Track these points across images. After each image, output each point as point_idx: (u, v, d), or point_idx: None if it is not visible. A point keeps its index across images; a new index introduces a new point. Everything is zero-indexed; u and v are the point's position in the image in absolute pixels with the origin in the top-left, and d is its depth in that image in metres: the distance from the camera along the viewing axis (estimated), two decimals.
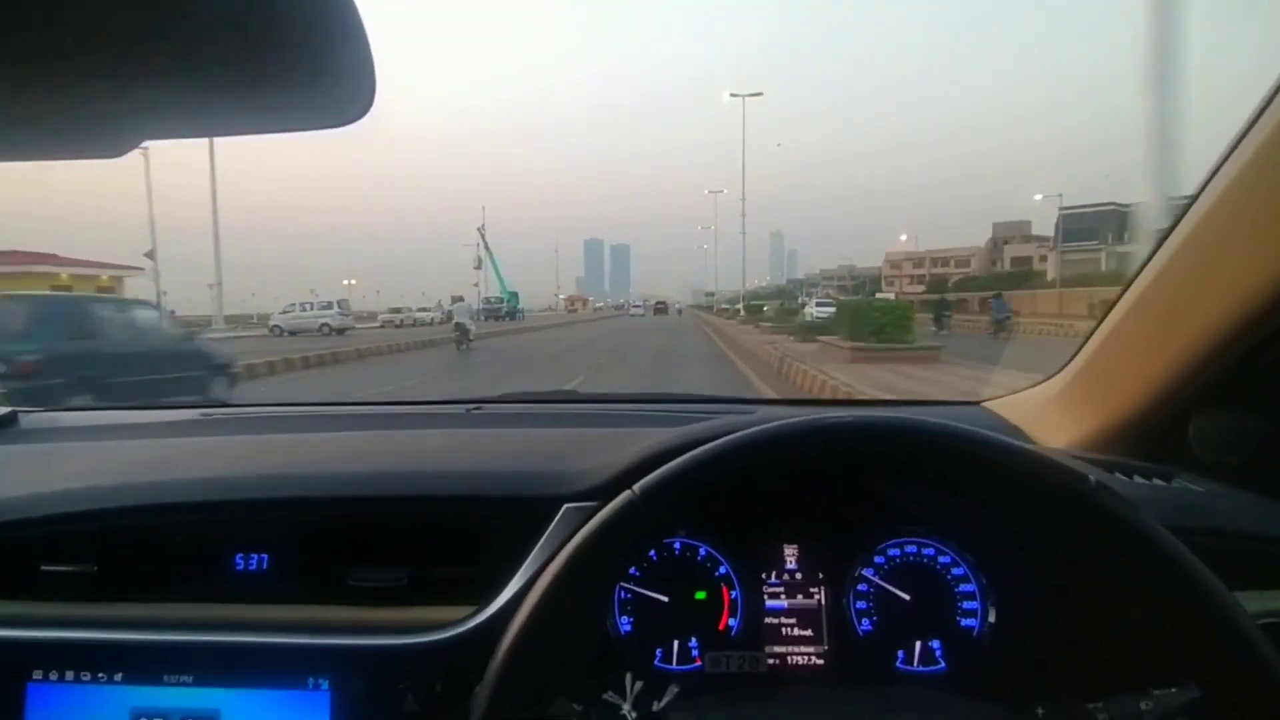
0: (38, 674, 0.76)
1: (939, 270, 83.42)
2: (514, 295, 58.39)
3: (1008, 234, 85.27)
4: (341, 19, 0.42)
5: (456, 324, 19.54)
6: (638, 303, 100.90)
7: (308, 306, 28.80)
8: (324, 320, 27.93)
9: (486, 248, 63.48)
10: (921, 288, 71.19)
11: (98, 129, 0.50)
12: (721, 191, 74.61)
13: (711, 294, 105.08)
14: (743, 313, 38.36)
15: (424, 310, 45.44)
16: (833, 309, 34.38)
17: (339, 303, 29.19)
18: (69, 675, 0.76)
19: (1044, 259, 68.73)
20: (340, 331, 27.67)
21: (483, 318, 49.84)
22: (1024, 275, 54.20)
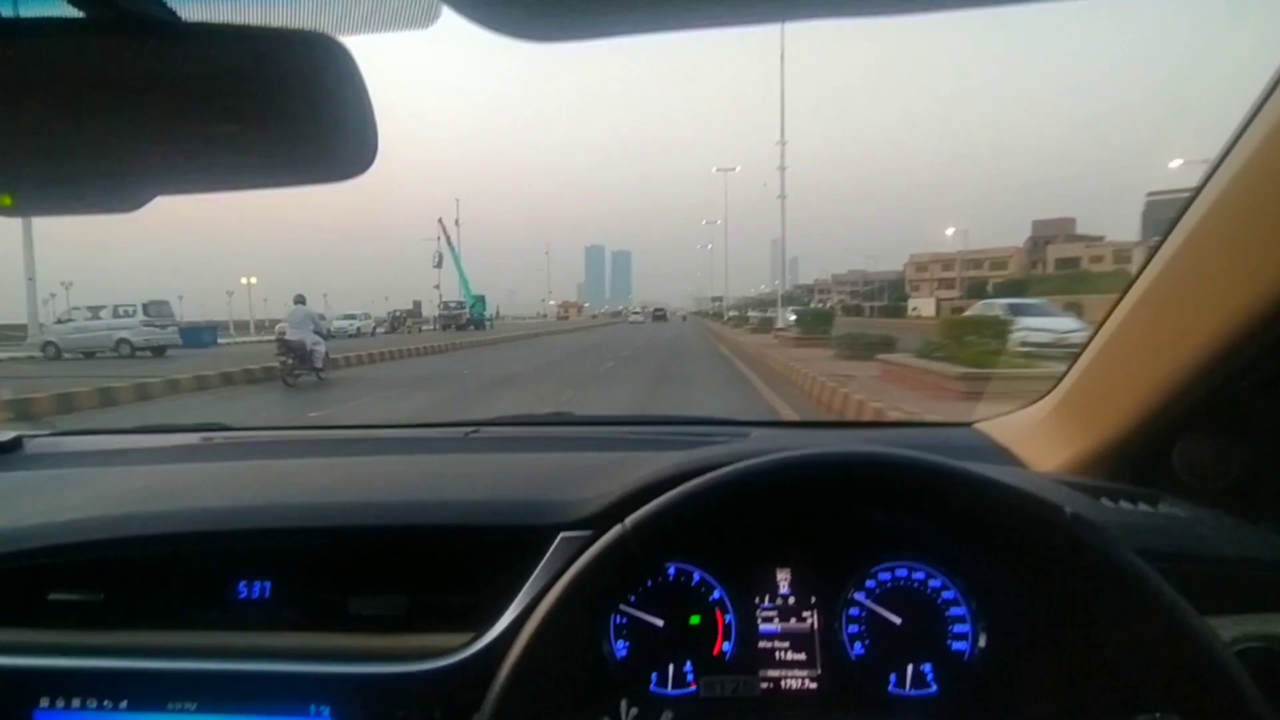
0: (44, 701, 0.78)
1: (973, 274, 74.91)
2: (479, 300, 48.67)
3: (1049, 233, 76.68)
4: (346, 83, 0.45)
5: (282, 343, 12.07)
6: (636, 309, 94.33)
7: (101, 313, 19.44)
8: (121, 335, 18.81)
9: (449, 242, 52.11)
10: (955, 292, 61.69)
11: (115, 186, 0.53)
12: (734, 169, 61.17)
13: (719, 299, 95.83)
14: (788, 322, 22.35)
15: (348, 318, 36.08)
16: (1074, 324, 12.86)
17: (147, 307, 19.44)
18: (75, 703, 0.78)
19: (1097, 259, 59.53)
20: (158, 351, 19.09)
21: (437, 325, 40.93)
22: (1082, 277, 44.94)
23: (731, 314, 60.87)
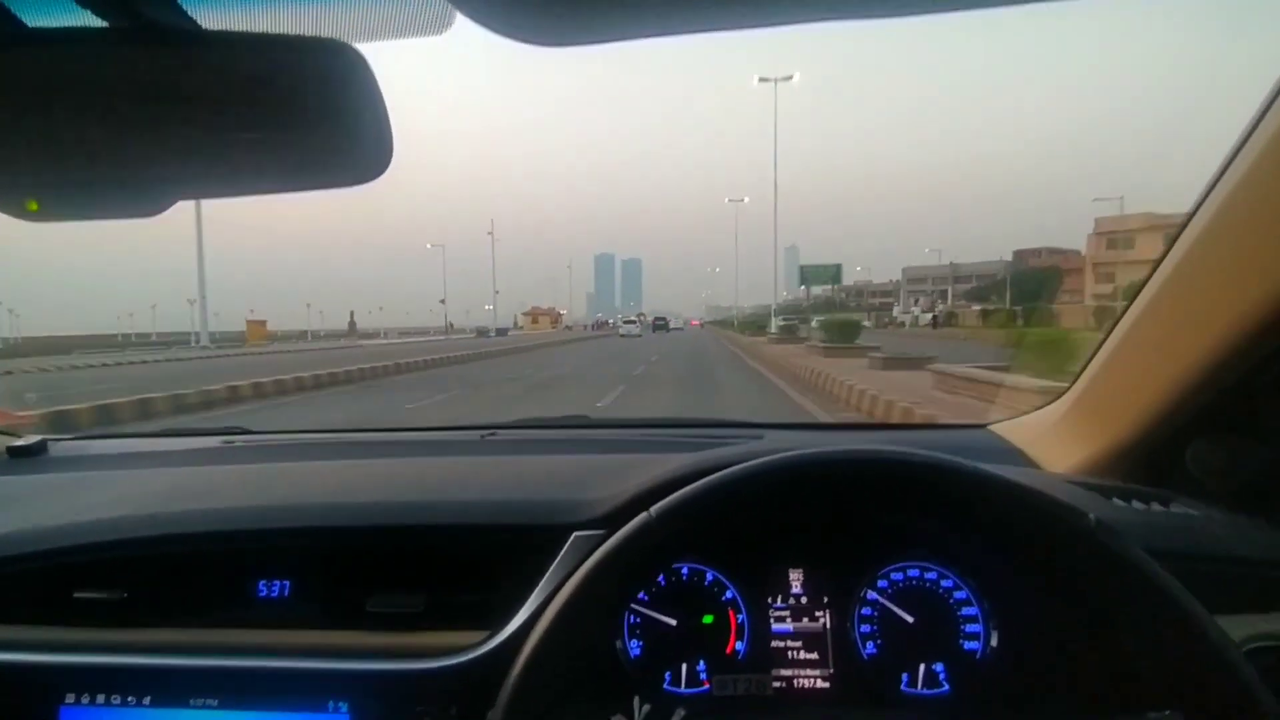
0: (70, 697, 0.80)
1: None
2: None
3: None
4: (362, 88, 0.46)
5: None
6: (631, 318, 63.12)
7: None
8: None
9: None
10: None
11: (135, 191, 0.54)
12: (743, 200, 61.18)
13: (828, 269, 66.16)
14: None
15: None
16: None
17: None
18: (100, 698, 0.80)
19: None
20: None
21: None
22: None
23: (779, 320, 29.19)
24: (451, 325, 64.79)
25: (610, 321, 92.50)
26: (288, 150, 0.50)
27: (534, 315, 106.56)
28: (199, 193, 0.58)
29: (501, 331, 64.04)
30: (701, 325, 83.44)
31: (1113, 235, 48.82)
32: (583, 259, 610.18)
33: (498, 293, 72.31)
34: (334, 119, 0.48)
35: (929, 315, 44.20)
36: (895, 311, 63.64)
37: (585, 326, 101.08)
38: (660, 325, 65.22)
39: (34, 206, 0.55)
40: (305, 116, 0.48)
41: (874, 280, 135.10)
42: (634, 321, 57.48)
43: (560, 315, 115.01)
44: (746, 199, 59.26)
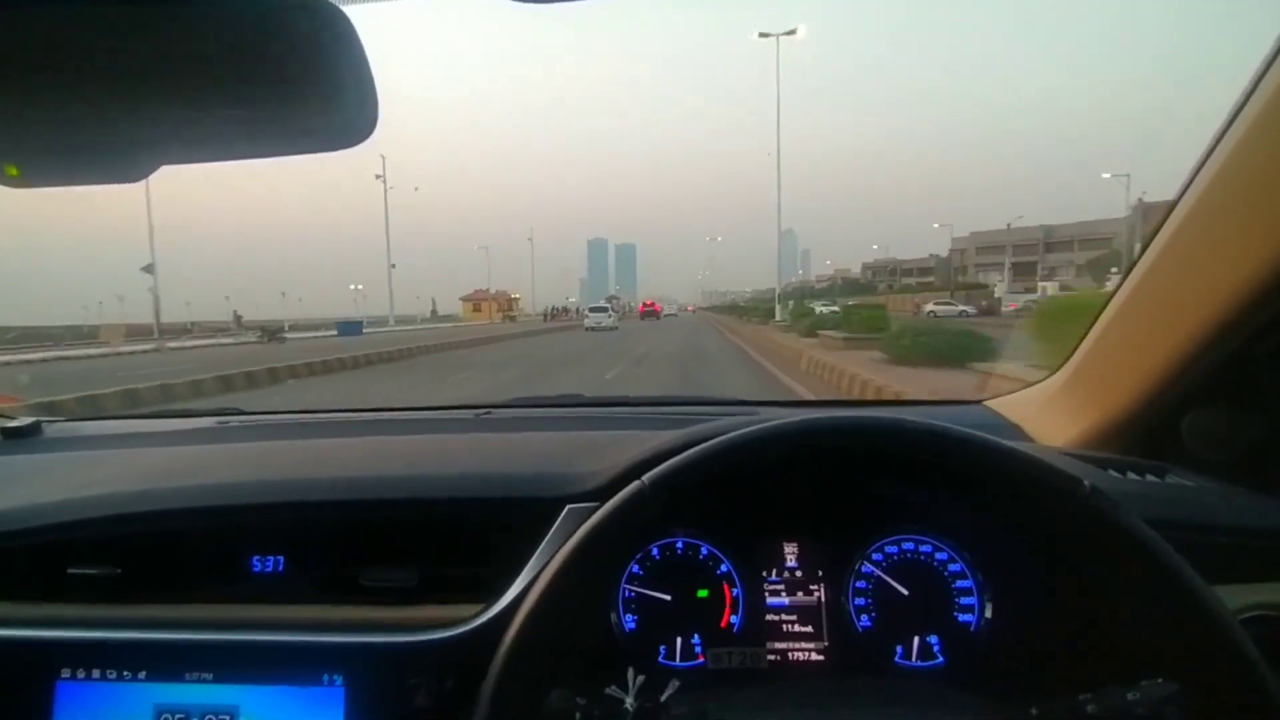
0: (66, 673, 0.80)
1: None
2: None
3: None
4: (347, 51, 0.45)
5: None
6: (601, 304, 43.00)
7: None
8: None
9: None
10: None
11: (117, 156, 0.53)
12: (793, 32, 37.75)
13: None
14: None
15: None
16: None
17: None
18: (96, 674, 0.80)
19: None
20: None
21: None
22: None
23: None
24: (239, 317, 41.53)
25: (578, 310, 70.87)
26: (271, 113, 0.49)
27: (475, 302, 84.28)
28: (181, 157, 0.56)
29: (351, 328, 36.35)
30: (694, 311, 79.08)
31: None
32: (575, 244, 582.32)
33: (394, 266, 51.25)
34: (318, 81, 0.47)
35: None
36: (998, 291, 42.54)
37: (512, 317, 75.73)
38: (648, 312, 56.25)
39: (14, 171, 0.54)
40: (289, 78, 0.46)
41: (898, 257, 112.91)
42: (604, 309, 38.20)
43: (513, 301, 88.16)
44: (800, 28, 37.89)
